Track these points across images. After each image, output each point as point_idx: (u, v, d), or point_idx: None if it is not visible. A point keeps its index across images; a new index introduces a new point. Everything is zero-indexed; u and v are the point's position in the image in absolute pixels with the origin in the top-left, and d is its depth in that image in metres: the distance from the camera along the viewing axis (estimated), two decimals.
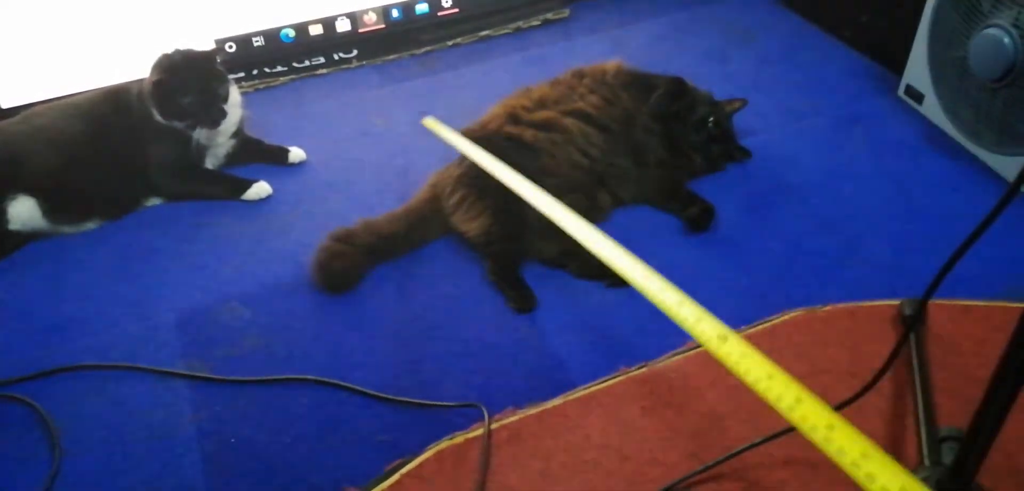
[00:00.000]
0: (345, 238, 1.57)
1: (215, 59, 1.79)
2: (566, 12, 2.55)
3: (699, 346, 1.33)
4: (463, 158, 1.69)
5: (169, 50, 1.75)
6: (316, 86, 2.27)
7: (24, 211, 1.68)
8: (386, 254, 1.60)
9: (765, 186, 1.76)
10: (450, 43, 2.42)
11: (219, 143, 1.86)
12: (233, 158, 1.91)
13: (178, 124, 1.75)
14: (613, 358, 1.36)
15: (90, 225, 1.76)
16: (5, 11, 1.97)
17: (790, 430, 1.10)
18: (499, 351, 1.40)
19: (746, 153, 1.84)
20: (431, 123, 1.55)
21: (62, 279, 1.63)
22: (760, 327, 1.39)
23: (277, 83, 2.28)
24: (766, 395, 0.77)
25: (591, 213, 1.65)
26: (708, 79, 1.92)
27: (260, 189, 1.81)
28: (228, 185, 1.83)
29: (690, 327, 0.87)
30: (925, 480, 1.00)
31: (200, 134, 1.78)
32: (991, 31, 1.58)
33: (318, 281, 1.54)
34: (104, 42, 2.07)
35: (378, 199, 1.78)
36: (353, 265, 1.55)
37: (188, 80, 1.72)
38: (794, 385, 0.76)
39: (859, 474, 0.68)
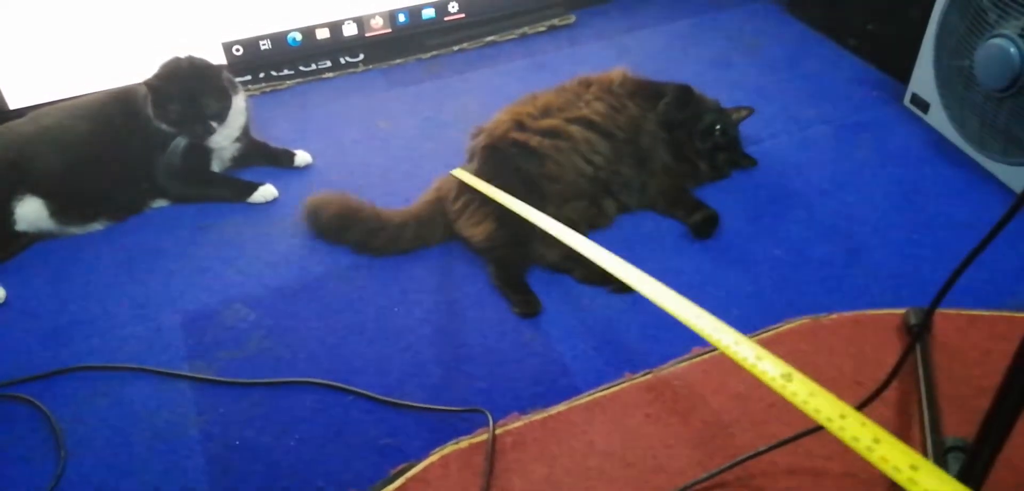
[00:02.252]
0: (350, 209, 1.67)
1: (219, 73, 1.77)
2: (572, 18, 2.55)
3: (703, 353, 1.35)
4: (468, 163, 1.70)
5: (181, 55, 1.74)
6: (322, 90, 2.28)
7: (31, 212, 1.68)
8: (385, 241, 1.63)
9: (770, 194, 1.76)
10: (456, 48, 2.43)
11: (225, 146, 1.87)
12: (239, 161, 1.92)
13: (166, 128, 1.74)
14: (618, 364, 1.36)
15: (96, 226, 1.77)
16: (12, 12, 1.98)
17: (794, 439, 1.11)
18: (504, 356, 1.40)
19: (752, 161, 1.84)
20: (459, 174, 1.65)
21: (68, 280, 1.63)
22: (765, 335, 1.38)
23: (283, 86, 2.29)
24: (840, 434, 0.75)
25: (596, 220, 1.66)
26: (714, 86, 1.92)
27: (266, 192, 1.82)
28: (234, 188, 1.84)
29: (750, 367, 0.85)
30: None
31: (191, 137, 1.76)
32: (997, 41, 1.58)
33: (306, 221, 1.69)
34: (112, 44, 2.08)
35: (384, 202, 1.77)
36: (338, 219, 1.65)
37: (177, 89, 1.70)
38: (871, 425, 0.75)
39: None
